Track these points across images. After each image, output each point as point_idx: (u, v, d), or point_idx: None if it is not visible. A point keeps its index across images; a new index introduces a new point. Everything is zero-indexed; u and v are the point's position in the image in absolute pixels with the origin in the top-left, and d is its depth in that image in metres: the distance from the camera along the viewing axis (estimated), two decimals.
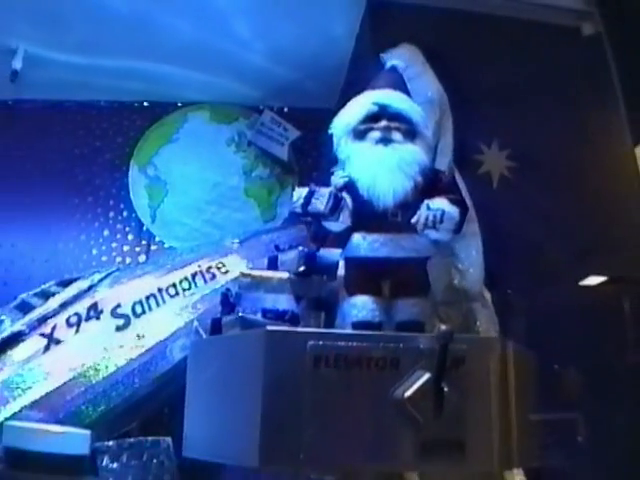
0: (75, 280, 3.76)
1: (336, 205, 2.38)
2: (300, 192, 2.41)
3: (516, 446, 2.11)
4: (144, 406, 3.51)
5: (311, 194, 2.39)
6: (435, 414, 2.03)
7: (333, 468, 2.20)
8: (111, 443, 3.32)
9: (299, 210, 2.41)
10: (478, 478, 2.80)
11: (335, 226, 2.45)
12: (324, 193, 2.38)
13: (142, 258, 4.42)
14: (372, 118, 2.49)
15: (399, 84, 2.64)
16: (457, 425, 2.06)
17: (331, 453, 2.00)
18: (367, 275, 2.41)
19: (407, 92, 2.63)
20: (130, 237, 4.48)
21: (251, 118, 4.71)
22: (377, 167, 2.42)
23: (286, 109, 4.73)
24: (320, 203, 2.38)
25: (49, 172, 4.58)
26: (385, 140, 2.45)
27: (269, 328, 2.07)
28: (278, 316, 2.41)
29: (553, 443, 2.50)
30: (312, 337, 2.02)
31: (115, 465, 3.30)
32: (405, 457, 2.05)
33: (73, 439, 3.07)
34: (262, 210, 4.55)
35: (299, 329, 2.30)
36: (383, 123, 2.48)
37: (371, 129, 2.48)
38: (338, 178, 2.47)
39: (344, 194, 2.41)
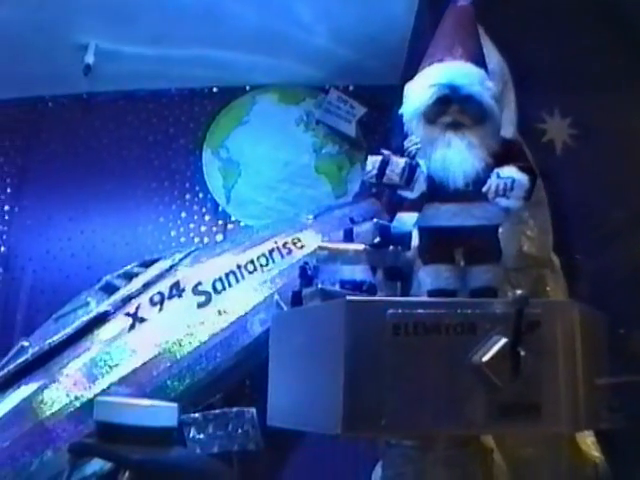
0: (156, 260, 3.87)
1: (411, 175, 2.37)
2: (374, 161, 2.36)
3: (589, 408, 2.11)
4: (227, 379, 3.62)
5: (385, 164, 2.33)
6: (512, 378, 2.03)
7: (413, 433, 2.23)
8: (197, 415, 3.41)
9: (373, 180, 2.37)
10: (550, 439, 2.84)
11: (411, 194, 2.43)
12: (399, 163, 2.33)
13: (219, 237, 4.53)
14: (443, 100, 2.40)
15: (472, 44, 2.55)
16: (534, 388, 2.05)
17: (411, 419, 2.02)
18: (440, 244, 2.40)
19: (479, 45, 2.59)
20: (207, 218, 4.59)
21: (318, 98, 4.76)
22: (447, 152, 2.40)
23: (351, 87, 4.76)
24: (395, 175, 2.33)
25: (126, 160, 4.73)
26: (455, 125, 2.39)
27: (349, 298, 2.08)
28: (356, 287, 2.42)
29: (620, 405, 2.49)
30: (391, 305, 2.03)
31: (201, 436, 3.39)
32: (483, 421, 2.04)
33: (161, 412, 3.16)
34: (333, 186, 4.60)
35: (378, 298, 2.33)
36: (454, 107, 2.40)
37: (441, 113, 2.41)
38: (412, 144, 2.45)
39: (419, 161, 2.40)
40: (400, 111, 2.55)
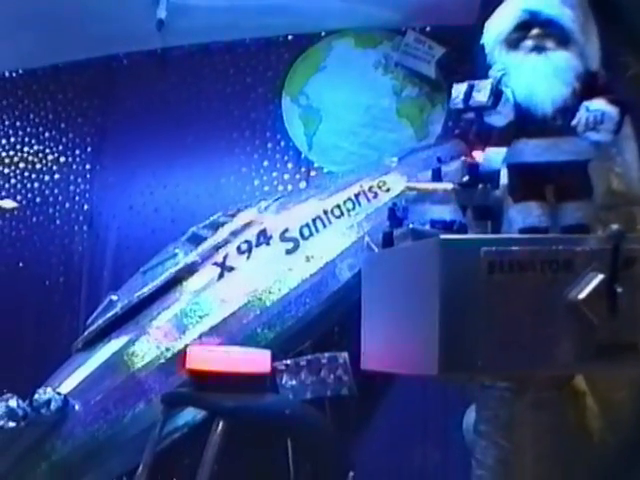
0: (242, 209, 3.88)
1: (498, 96, 2.34)
2: (459, 88, 2.33)
3: None
4: (316, 326, 3.62)
5: (471, 88, 2.32)
6: (609, 316, 2.00)
7: (509, 374, 2.21)
8: (289, 361, 3.43)
9: (460, 106, 2.35)
10: None
11: (498, 120, 2.38)
12: (484, 85, 2.31)
13: (302, 185, 4.49)
14: (523, 26, 2.40)
15: None
16: (631, 326, 2.03)
17: (507, 359, 2.00)
18: (531, 181, 2.37)
19: None
20: (289, 165, 4.56)
21: (395, 40, 4.65)
22: (533, 76, 2.37)
23: (428, 28, 4.64)
24: (482, 95, 2.31)
25: (205, 112, 4.72)
26: (538, 48, 2.37)
27: (443, 236, 2.06)
28: (446, 226, 2.39)
29: None
30: (485, 243, 2.01)
31: (294, 382, 3.41)
32: (580, 360, 2.03)
33: (254, 359, 3.19)
34: (415, 129, 4.52)
35: (472, 236, 2.31)
36: (535, 31, 2.39)
37: (523, 38, 2.40)
38: (496, 72, 2.43)
39: (504, 88, 2.38)
40: (482, 41, 2.54)
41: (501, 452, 2.32)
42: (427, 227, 2.41)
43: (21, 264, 4.98)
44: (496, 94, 2.32)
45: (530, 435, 2.32)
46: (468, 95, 2.33)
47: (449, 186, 2.53)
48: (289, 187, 4.51)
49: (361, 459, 3.52)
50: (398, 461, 3.98)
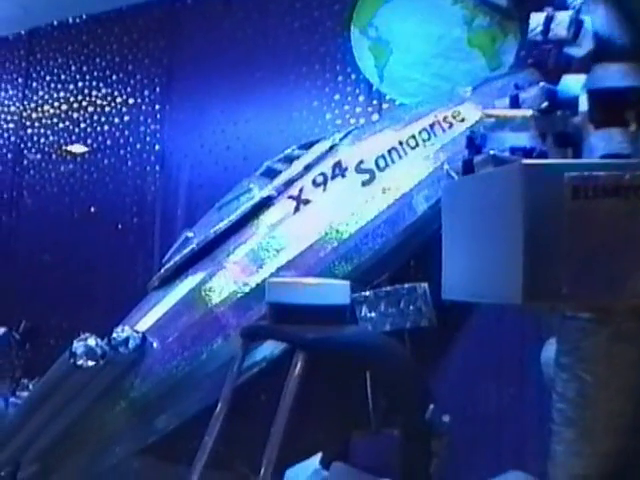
0: (316, 142, 3.85)
1: (578, 29, 2.30)
2: (537, 18, 2.32)
3: None
4: (393, 258, 3.60)
5: (549, 20, 2.30)
6: None
7: (593, 302, 2.18)
8: (368, 293, 3.41)
9: (539, 38, 2.33)
10: None
11: (578, 51, 2.36)
12: (564, 18, 2.29)
13: (375, 117, 4.40)
14: None
15: None
16: None
17: (592, 286, 1.99)
18: (611, 107, 2.34)
19: None
20: (361, 98, 4.47)
21: None
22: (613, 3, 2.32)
23: None
24: (561, 29, 2.29)
25: (273, 48, 4.68)
26: None
27: (525, 162, 2.04)
28: (526, 153, 2.37)
29: None
30: (569, 168, 1.98)
31: (373, 314, 3.40)
32: None
33: (334, 290, 3.19)
34: (487, 59, 4.39)
35: (555, 161, 2.28)
36: None
37: None
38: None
39: (583, 16, 2.33)
40: None
41: (582, 385, 2.30)
42: (507, 154, 2.38)
43: (94, 208, 5.08)
44: (576, 25, 2.28)
45: (611, 368, 2.29)
46: (547, 27, 2.30)
47: (528, 112, 2.49)
48: (361, 120, 4.42)
49: (438, 392, 3.52)
50: (474, 394, 3.98)
